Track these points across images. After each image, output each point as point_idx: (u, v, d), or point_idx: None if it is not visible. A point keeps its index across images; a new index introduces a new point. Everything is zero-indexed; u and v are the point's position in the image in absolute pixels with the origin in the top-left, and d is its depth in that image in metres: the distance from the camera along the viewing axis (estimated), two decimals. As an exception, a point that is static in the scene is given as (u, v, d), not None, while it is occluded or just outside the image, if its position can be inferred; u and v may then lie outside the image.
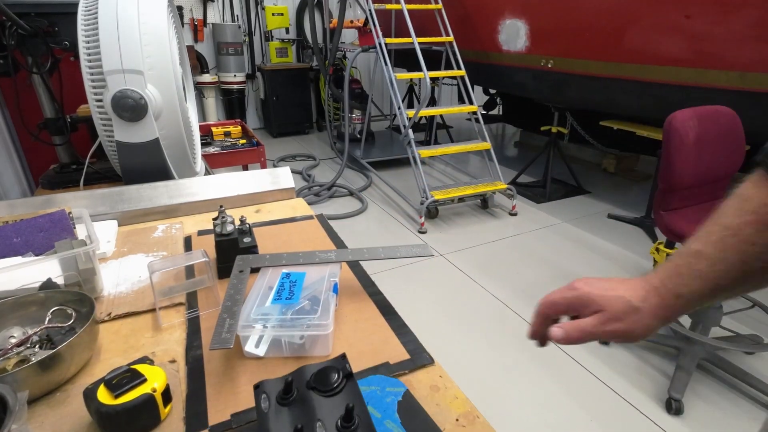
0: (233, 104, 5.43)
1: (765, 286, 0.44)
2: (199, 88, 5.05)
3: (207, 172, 1.57)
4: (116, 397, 0.49)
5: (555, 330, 0.48)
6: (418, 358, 0.63)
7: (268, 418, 0.42)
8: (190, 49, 4.97)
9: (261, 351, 0.62)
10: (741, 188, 0.45)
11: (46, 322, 0.63)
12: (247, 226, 0.85)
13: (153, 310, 0.73)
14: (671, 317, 0.46)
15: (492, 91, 4.96)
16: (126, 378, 0.51)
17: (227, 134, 2.65)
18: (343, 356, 0.48)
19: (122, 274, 0.84)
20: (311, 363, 0.48)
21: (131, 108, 1.06)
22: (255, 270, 0.78)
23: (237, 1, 5.39)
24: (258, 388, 0.45)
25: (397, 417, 0.47)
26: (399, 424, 0.46)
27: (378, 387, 0.53)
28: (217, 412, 0.54)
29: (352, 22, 4.37)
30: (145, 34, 1.07)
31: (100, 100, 1.09)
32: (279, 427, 0.41)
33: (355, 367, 0.59)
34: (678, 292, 0.45)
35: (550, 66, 3.13)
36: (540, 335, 0.52)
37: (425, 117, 4.93)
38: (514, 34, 3.37)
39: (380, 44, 3.50)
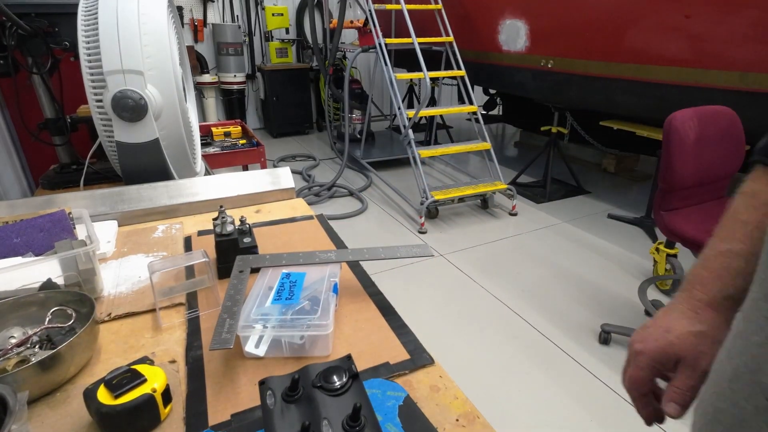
0: (233, 104, 5.43)
1: None
2: (199, 89, 5.05)
3: (207, 173, 1.57)
4: (116, 397, 0.49)
5: (670, 409, 0.45)
6: (418, 358, 0.63)
7: (274, 415, 0.42)
8: (190, 50, 4.97)
9: (261, 351, 0.62)
10: (745, 186, 0.47)
11: (46, 323, 0.63)
12: (247, 226, 0.85)
13: (153, 311, 0.73)
14: (730, 321, 0.45)
15: (492, 91, 4.96)
16: (126, 378, 0.51)
17: (227, 134, 2.65)
18: (349, 357, 0.48)
19: (122, 275, 0.84)
20: (312, 363, 0.48)
21: (131, 108, 1.06)
22: (255, 270, 0.78)
23: (237, 1, 5.39)
24: (263, 384, 0.45)
25: (398, 421, 0.47)
26: (400, 428, 0.46)
27: (379, 390, 0.53)
28: (217, 412, 0.54)
29: (352, 22, 4.37)
30: (145, 35, 1.07)
31: (100, 101, 1.09)
32: (285, 424, 0.41)
33: (355, 367, 0.59)
34: (727, 294, 0.45)
35: (550, 66, 3.13)
36: (653, 414, 0.50)
37: (425, 117, 4.93)
38: (514, 35, 3.37)
39: (380, 44, 3.50)
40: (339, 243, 0.97)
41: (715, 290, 0.45)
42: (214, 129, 2.66)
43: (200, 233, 1.02)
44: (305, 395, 0.44)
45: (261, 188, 1.22)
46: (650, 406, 0.48)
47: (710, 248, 0.47)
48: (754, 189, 0.46)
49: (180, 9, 4.95)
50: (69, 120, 1.41)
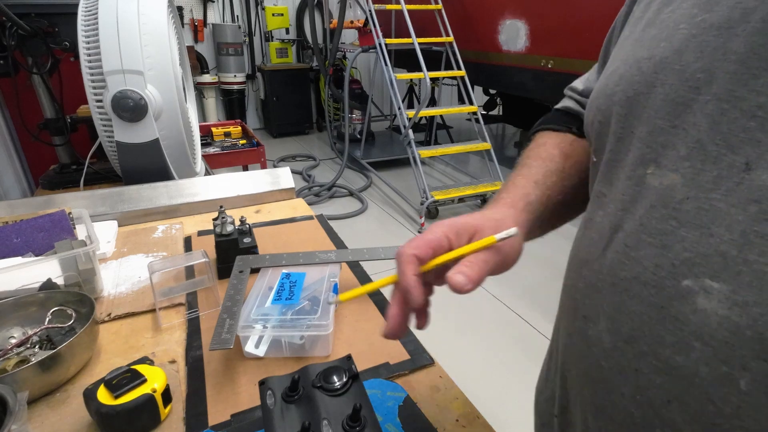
0: (233, 104, 5.44)
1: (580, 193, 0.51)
2: (199, 89, 5.05)
3: (207, 173, 1.57)
4: (116, 397, 0.49)
5: (458, 278, 0.36)
6: (418, 358, 0.63)
7: (274, 415, 0.42)
8: (190, 50, 4.97)
9: (261, 351, 0.62)
10: (532, 144, 0.54)
11: (46, 323, 0.63)
12: (247, 226, 0.85)
13: (153, 311, 0.73)
14: (530, 223, 0.47)
15: (492, 92, 4.96)
16: (126, 378, 0.51)
17: (227, 134, 2.65)
18: (349, 357, 0.48)
19: (122, 275, 0.84)
20: (312, 363, 0.48)
21: (131, 108, 1.06)
22: (255, 270, 0.78)
23: (237, 1, 5.39)
24: (263, 384, 0.45)
25: (398, 421, 0.47)
26: (400, 428, 0.46)
27: (379, 391, 0.53)
28: (217, 413, 0.54)
29: (352, 22, 4.37)
30: (145, 35, 1.07)
31: (100, 101, 1.09)
32: (284, 424, 0.41)
33: (355, 367, 0.59)
34: (530, 200, 0.47)
35: (550, 66, 3.14)
36: (422, 302, 0.40)
37: (425, 117, 4.93)
38: (514, 35, 3.37)
39: (380, 44, 3.50)
40: (339, 243, 0.97)
41: (517, 196, 0.46)
42: (214, 129, 2.66)
43: (200, 233, 1.02)
44: (305, 395, 0.44)
45: (261, 188, 1.22)
46: (423, 294, 0.39)
47: (505, 182, 0.50)
48: (539, 142, 0.53)
49: (180, 9, 4.95)
50: (69, 120, 1.41)
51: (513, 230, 0.39)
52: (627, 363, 0.33)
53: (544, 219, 0.49)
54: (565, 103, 0.60)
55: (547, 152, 0.51)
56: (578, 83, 0.59)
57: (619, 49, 0.41)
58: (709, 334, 0.28)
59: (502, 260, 0.41)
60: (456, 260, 0.39)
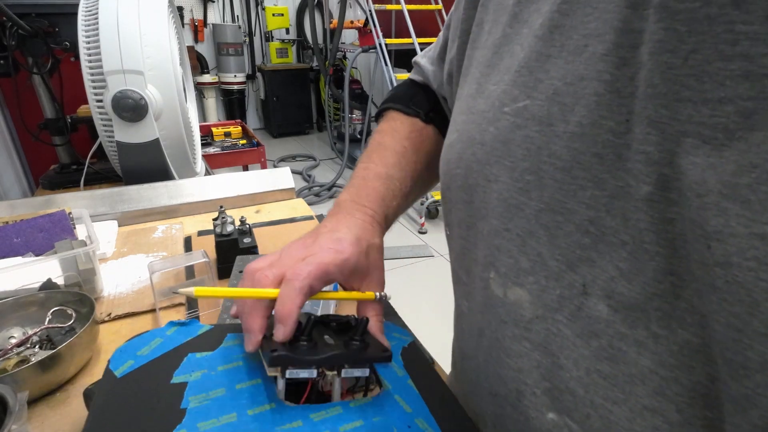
0: (233, 104, 5.43)
1: (429, 188, 0.56)
2: (200, 89, 5.05)
3: (207, 173, 1.57)
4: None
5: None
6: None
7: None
8: (191, 50, 4.97)
9: (261, 351, 0.62)
10: (383, 126, 0.54)
11: (46, 323, 0.63)
12: (247, 226, 0.85)
13: (153, 311, 0.73)
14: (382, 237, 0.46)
15: (492, 92, 4.95)
16: (126, 378, 0.51)
17: (227, 134, 2.65)
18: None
19: (122, 275, 0.84)
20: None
21: (131, 108, 1.06)
22: (255, 270, 0.78)
23: (237, 1, 5.39)
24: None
25: (400, 359, 0.45)
26: (401, 366, 0.44)
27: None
28: (217, 413, 0.54)
29: (352, 22, 4.37)
30: (146, 35, 1.07)
31: (101, 101, 1.09)
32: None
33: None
34: (387, 214, 0.46)
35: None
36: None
37: (425, 117, 4.91)
38: (514, 35, 3.36)
39: (380, 45, 3.50)
40: (339, 243, 0.97)
41: (380, 209, 0.45)
42: (214, 129, 2.66)
43: (200, 233, 1.02)
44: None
45: (261, 188, 1.22)
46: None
47: (366, 170, 0.48)
48: (393, 126, 0.53)
49: (180, 9, 4.95)
50: (69, 120, 1.41)
51: (389, 296, 0.43)
52: None
53: (400, 214, 0.51)
54: (413, 75, 0.59)
55: (401, 145, 0.51)
56: (423, 59, 0.57)
57: (458, 103, 0.39)
58: None
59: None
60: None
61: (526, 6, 0.31)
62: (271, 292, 0.35)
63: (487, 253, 0.32)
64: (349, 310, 0.56)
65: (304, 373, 0.33)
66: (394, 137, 0.52)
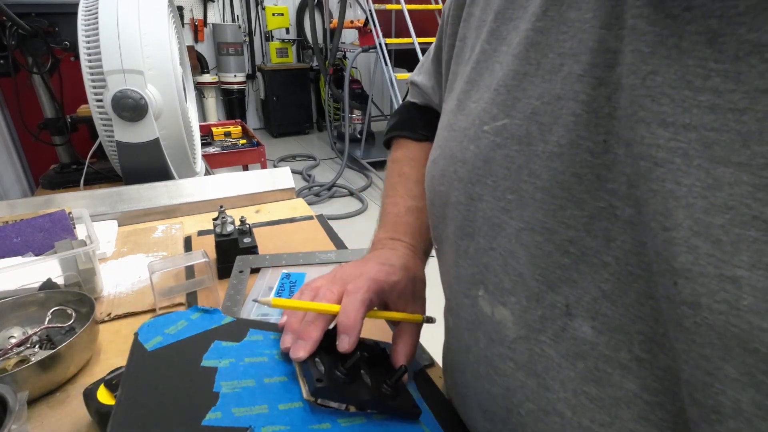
0: (233, 104, 5.43)
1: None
2: (200, 88, 5.05)
3: (207, 172, 1.57)
4: (116, 397, 0.49)
5: (398, 357, 0.41)
6: (418, 358, 0.62)
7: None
8: (191, 49, 4.97)
9: (261, 351, 0.62)
10: (398, 154, 0.54)
11: (46, 322, 0.63)
12: (247, 226, 0.85)
13: (153, 311, 0.73)
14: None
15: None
16: (126, 378, 0.51)
17: (227, 134, 2.65)
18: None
19: (122, 275, 0.84)
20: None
21: (131, 108, 1.06)
22: (255, 270, 0.78)
23: (237, 1, 5.39)
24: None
25: (413, 383, 0.46)
26: (415, 388, 0.45)
27: None
28: (217, 413, 0.54)
29: (352, 22, 4.37)
30: (146, 35, 1.07)
31: (100, 100, 1.09)
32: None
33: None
34: (425, 247, 0.48)
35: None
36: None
37: (425, 117, 4.91)
38: (514, 35, 3.36)
39: (380, 44, 3.50)
40: (339, 243, 0.97)
41: (418, 243, 0.47)
42: (214, 129, 2.66)
43: (200, 233, 1.02)
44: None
45: (261, 188, 1.22)
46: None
47: (395, 206, 0.49)
48: (408, 155, 0.53)
49: (180, 9, 4.95)
50: (69, 120, 1.41)
51: (434, 319, 0.46)
52: None
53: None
54: (412, 98, 0.58)
55: (422, 173, 0.48)
56: (419, 77, 0.55)
57: (441, 117, 0.40)
58: None
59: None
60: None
61: (503, 23, 0.31)
62: (334, 307, 0.38)
63: (475, 271, 0.32)
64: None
65: (334, 404, 0.35)
66: (412, 166, 0.52)
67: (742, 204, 0.17)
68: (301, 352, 0.35)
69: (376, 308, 0.42)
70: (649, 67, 0.21)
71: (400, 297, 0.43)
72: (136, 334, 0.37)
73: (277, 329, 0.41)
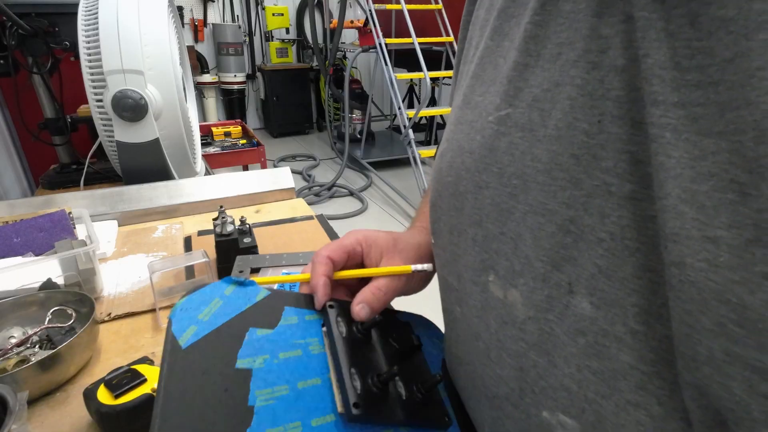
0: (233, 104, 5.43)
1: None
2: (200, 88, 5.05)
3: (207, 172, 1.57)
4: (116, 397, 0.49)
5: (357, 309, 0.40)
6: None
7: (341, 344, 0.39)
8: (191, 49, 4.97)
9: (261, 351, 0.62)
10: None
11: (46, 322, 0.63)
12: (247, 226, 0.85)
13: (153, 311, 0.73)
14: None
15: (492, 92, 4.94)
16: (126, 378, 0.51)
17: (227, 134, 2.65)
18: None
19: (122, 275, 0.84)
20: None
21: (131, 108, 1.06)
22: (255, 270, 0.78)
23: (237, 1, 5.39)
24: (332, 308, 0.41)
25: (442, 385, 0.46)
26: (443, 387, 0.45)
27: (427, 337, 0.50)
28: (217, 413, 0.54)
29: (352, 22, 4.37)
30: (146, 35, 1.07)
31: (100, 100, 1.09)
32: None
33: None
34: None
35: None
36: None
37: (425, 117, 4.93)
38: (514, 35, 3.36)
39: (380, 44, 3.50)
40: (339, 243, 0.97)
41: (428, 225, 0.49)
42: (214, 129, 2.66)
43: (200, 233, 1.02)
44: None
45: (261, 188, 1.22)
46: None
47: (425, 204, 0.52)
48: None
49: (180, 9, 4.95)
50: (69, 120, 1.41)
51: (428, 266, 0.44)
52: None
53: None
54: None
55: None
56: None
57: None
58: None
59: (409, 288, 0.45)
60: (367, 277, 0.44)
61: (506, 20, 0.33)
62: (305, 276, 0.43)
63: (485, 257, 0.33)
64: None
65: None
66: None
67: (722, 170, 0.19)
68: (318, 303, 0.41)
69: (351, 269, 0.44)
70: (641, 51, 0.22)
71: (383, 255, 0.44)
72: (169, 321, 0.37)
73: (312, 305, 0.42)
